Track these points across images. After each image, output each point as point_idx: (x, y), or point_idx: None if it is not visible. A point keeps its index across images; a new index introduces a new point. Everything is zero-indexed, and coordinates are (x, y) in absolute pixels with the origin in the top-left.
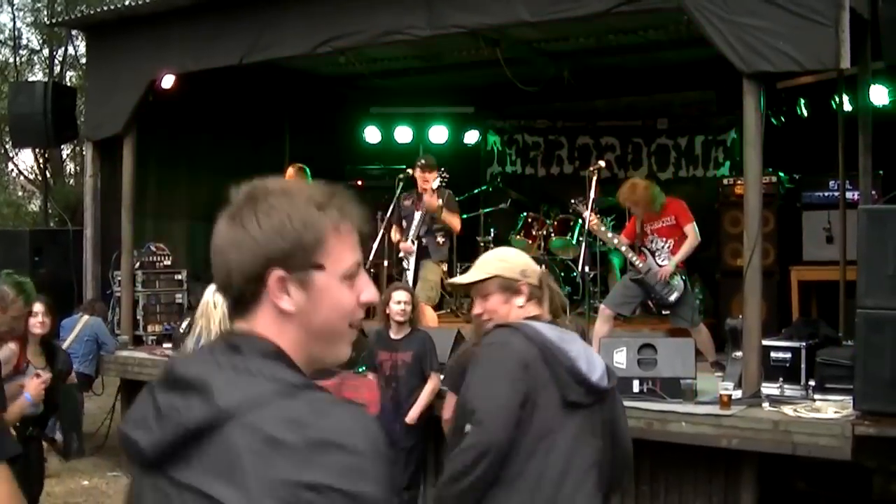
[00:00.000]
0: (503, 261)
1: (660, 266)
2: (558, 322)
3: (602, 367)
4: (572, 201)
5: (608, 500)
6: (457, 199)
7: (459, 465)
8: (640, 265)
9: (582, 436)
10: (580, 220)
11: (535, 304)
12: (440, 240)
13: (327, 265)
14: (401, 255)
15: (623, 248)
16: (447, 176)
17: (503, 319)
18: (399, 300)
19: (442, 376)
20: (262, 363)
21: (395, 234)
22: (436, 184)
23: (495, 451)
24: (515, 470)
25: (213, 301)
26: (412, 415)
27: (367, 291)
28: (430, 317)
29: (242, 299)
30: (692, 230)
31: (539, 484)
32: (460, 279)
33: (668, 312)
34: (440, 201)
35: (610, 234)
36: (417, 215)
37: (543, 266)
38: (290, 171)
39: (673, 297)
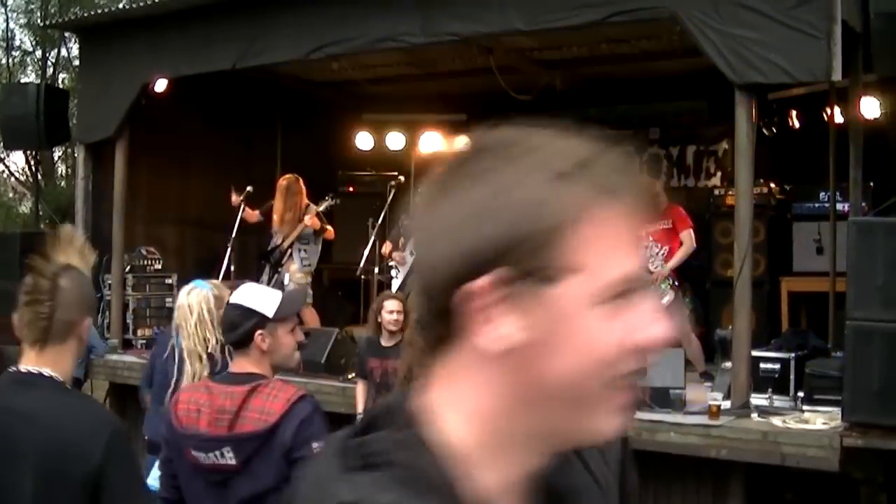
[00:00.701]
0: None
1: (651, 272)
2: None
3: None
4: None
5: None
6: None
7: None
8: None
9: None
10: None
11: None
12: None
13: (570, 276)
14: (391, 263)
15: None
16: None
17: None
18: (391, 310)
19: None
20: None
21: (386, 248)
22: None
23: None
24: None
25: (187, 303)
26: None
27: (648, 325)
28: None
29: (432, 330)
30: (689, 236)
31: None
32: None
33: None
34: None
35: None
36: None
37: None
38: (281, 183)
39: (664, 301)
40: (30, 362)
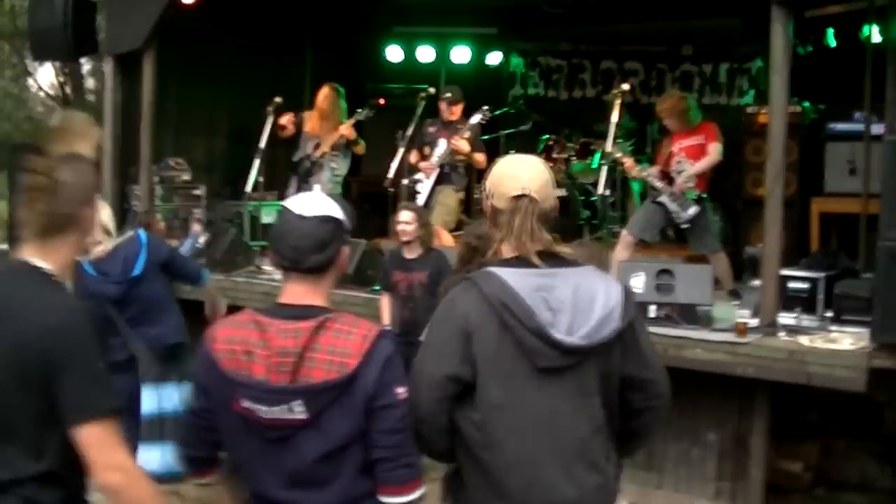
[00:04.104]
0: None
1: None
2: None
3: (597, 317)
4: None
5: None
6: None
7: None
8: (663, 188)
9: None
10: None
11: (500, 236)
12: (461, 170)
13: None
14: (416, 176)
15: (658, 185)
16: (488, 116)
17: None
18: (401, 220)
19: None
20: None
21: (414, 157)
22: (476, 119)
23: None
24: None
25: None
26: None
27: None
28: (445, 240)
29: None
30: (716, 149)
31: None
32: None
33: (684, 234)
34: (468, 146)
35: (645, 172)
36: (442, 143)
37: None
38: (325, 90)
39: (691, 211)
40: (28, 253)
